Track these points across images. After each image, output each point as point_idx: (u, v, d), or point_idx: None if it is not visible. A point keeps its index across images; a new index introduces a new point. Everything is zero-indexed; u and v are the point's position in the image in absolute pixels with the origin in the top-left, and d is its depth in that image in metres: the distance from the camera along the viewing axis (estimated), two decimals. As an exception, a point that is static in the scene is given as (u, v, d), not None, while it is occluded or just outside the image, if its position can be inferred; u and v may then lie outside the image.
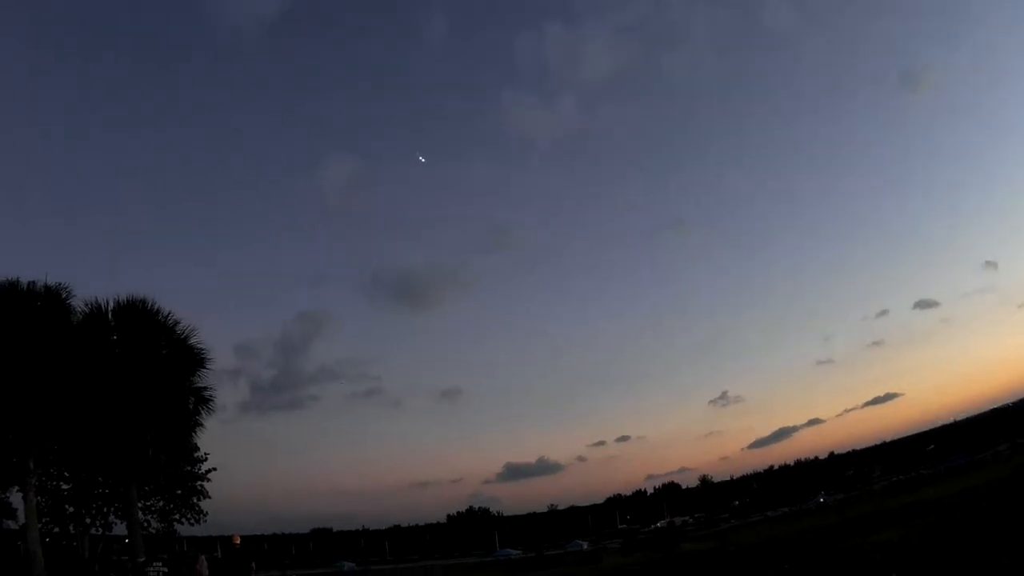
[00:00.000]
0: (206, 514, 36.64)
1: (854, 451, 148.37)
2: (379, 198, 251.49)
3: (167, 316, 24.52)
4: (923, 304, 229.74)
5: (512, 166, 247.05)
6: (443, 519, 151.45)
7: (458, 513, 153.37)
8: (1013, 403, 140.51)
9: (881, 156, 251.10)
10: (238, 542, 15.13)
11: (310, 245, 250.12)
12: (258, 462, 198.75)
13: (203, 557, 16.31)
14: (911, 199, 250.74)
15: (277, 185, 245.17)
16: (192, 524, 36.12)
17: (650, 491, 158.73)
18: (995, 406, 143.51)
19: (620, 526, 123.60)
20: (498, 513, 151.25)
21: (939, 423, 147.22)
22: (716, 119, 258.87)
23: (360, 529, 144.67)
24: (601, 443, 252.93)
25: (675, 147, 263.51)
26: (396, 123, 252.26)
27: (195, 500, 36.01)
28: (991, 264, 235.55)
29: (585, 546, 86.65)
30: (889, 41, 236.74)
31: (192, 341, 24.44)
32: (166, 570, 16.38)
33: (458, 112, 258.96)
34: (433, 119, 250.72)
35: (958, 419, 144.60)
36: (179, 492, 34.85)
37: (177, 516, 35.40)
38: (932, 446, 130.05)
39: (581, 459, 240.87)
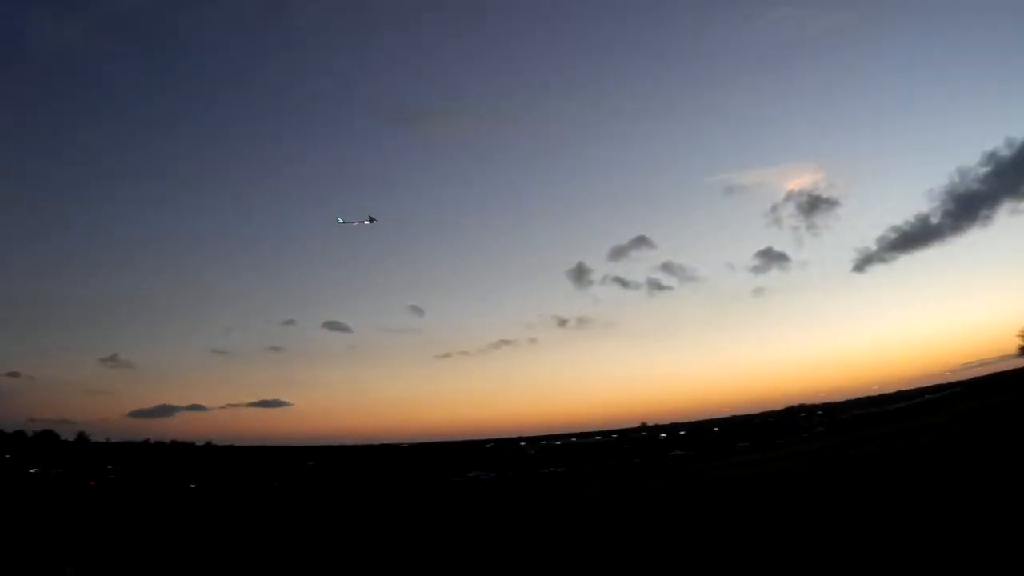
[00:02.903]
0: None
1: (233, 447, 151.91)
2: None
3: None
4: (333, 326, 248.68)
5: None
6: None
7: None
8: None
9: (366, 180, 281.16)
10: None
11: None
12: None
13: None
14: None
15: None
16: None
17: (31, 434, 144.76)
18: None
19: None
20: None
21: (325, 442, 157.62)
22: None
23: None
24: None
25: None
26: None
27: None
28: (417, 309, 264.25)
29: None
30: (385, 78, 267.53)
31: None
32: None
33: None
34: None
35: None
36: None
37: None
38: (313, 462, 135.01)
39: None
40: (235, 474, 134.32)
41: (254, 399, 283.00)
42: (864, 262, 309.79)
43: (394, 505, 57.32)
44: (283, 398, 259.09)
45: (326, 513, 50.47)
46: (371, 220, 66.74)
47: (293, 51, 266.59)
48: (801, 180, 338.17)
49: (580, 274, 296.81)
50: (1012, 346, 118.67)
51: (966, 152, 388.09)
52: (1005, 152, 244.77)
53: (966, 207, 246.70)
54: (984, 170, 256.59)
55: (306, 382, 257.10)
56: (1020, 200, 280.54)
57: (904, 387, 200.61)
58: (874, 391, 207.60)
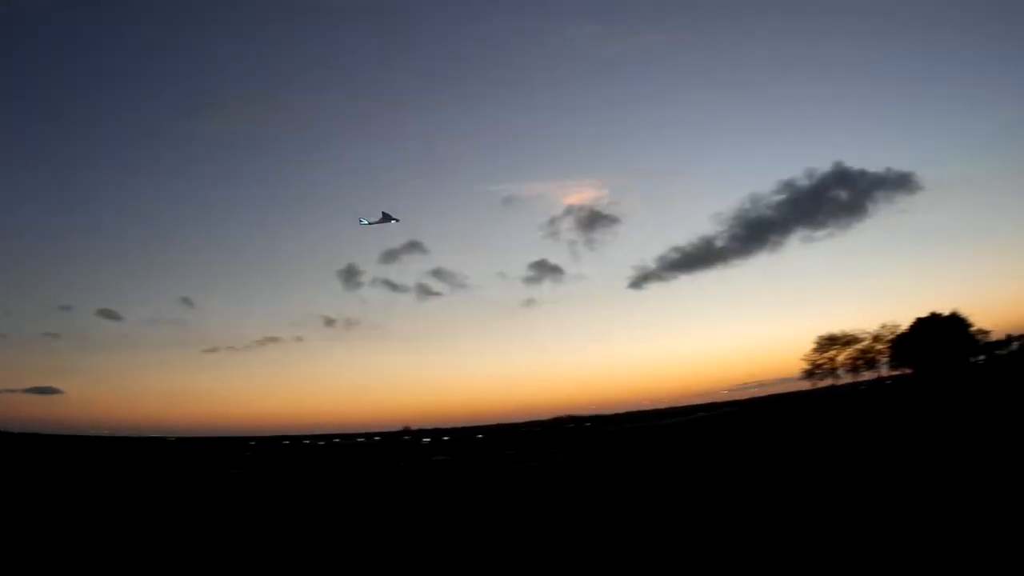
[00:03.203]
0: None
1: (8, 433, 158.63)
2: None
3: None
4: (107, 314, 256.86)
5: None
6: None
7: None
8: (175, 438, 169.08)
9: (142, 168, 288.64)
10: None
11: None
12: None
13: None
14: (140, 211, 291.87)
15: None
16: None
17: None
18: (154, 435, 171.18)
19: None
20: None
21: (96, 432, 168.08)
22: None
23: None
24: None
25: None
26: None
27: None
28: (187, 301, 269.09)
29: None
30: (165, 68, 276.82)
31: None
32: None
33: None
34: None
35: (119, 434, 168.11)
36: None
37: None
38: (85, 452, 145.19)
39: None
40: (9, 463, 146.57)
41: (28, 385, 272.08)
42: (641, 279, 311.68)
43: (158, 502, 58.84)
44: (57, 385, 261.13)
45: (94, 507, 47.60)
46: (393, 220, 61.53)
47: (73, 34, 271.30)
48: (582, 195, 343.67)
49: (350, 275, 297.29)
50: (796, 369, 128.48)
51: (761, 180, 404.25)
52: (804, 182, 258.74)
53: (755, 232, 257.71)
54: (778, 197, 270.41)
55: (80, 370, 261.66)
56: (815, 228, 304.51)
57: (677, 403, 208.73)
58: (646, 405, 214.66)
